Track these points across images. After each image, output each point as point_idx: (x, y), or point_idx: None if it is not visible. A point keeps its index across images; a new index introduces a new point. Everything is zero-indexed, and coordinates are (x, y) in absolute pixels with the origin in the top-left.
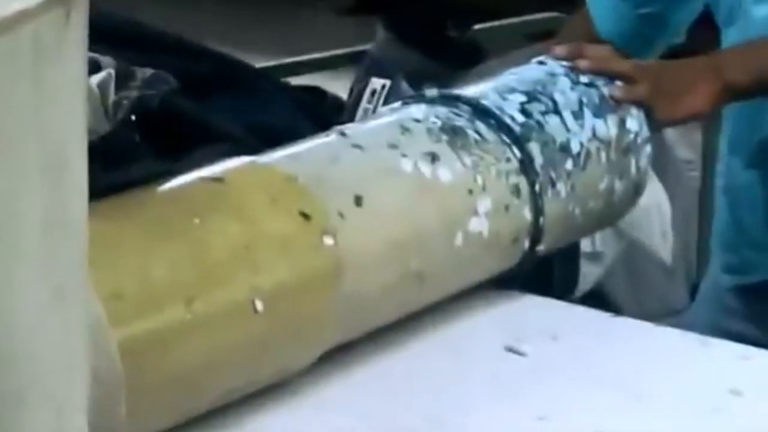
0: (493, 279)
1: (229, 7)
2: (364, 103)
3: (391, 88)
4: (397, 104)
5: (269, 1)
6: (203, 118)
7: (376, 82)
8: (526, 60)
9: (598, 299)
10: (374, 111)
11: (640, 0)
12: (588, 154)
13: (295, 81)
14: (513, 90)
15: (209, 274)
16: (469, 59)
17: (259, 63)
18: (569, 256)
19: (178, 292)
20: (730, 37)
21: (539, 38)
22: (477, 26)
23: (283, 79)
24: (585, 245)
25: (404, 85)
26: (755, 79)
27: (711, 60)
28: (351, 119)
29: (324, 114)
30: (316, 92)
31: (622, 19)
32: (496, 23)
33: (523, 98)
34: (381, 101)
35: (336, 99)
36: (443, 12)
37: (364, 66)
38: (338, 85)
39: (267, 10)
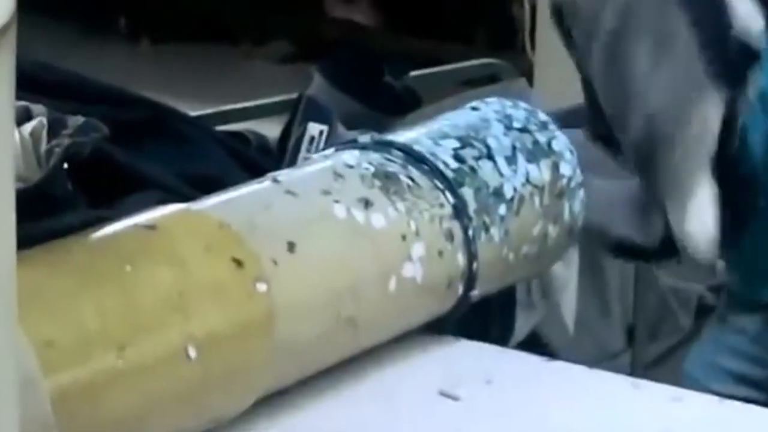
0: (428, 324)
1: (167, 55)
2: (303, 151)
3: (329, 134)
4: (330, 150)
5: (209, 49)
6: (135, 165)
7: (314, 128)
8: (461, 106)
9: (533, 344)
10: None
11: None
12: (521, 199)
13: (234, 128)
14: (446, 136)
15: (141, 322)
16: (406, 105)
17: (198, 111)
18: (505, 303)
19: (110, 339)
20: None
21: (476, 84)
22: (413, 73)
23: (219, 127)
24: (521, 292)
25: (342, 131)
26: None
27: None
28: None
29: (255, 160)
30: (241, 138)
31: None
32: (433, 70)
33: (456, 144)
34: (320, 147)
35: (262, 143)
36: (380, 59)
37: (300, 110)
38: (277, 132)
39: (206, 58)
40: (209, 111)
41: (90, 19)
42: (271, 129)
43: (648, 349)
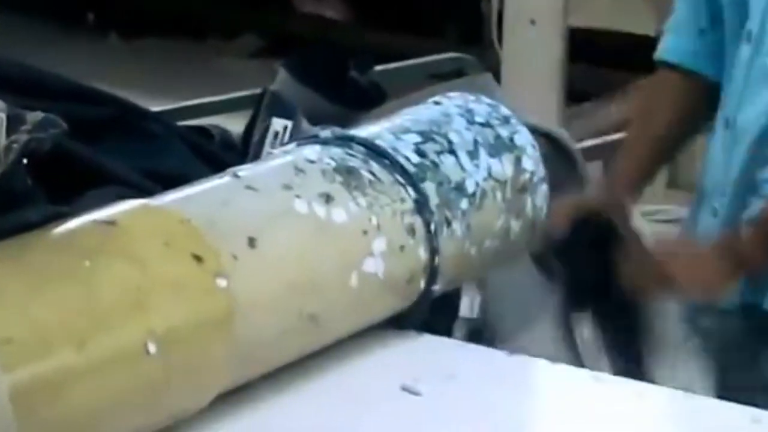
0: (390, 319)
1: (136, 50)
2: (267, 147)
3: (293, 129)
4: (291, 145)
5: (178, 45)
6: (95, 161)
7: (278, 123)
8: (425, 100)
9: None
10: None
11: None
12: (484, 193)
13: (200, 123)
14: (408, 130)
15: (101, 317)
16: (371, 100)
17: (165, 105)
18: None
19: (69, 335)
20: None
21: (442, 79)
22: (379, 67)
23: (184, 122)
24: None
25: (306, 126)
26: None
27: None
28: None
29: (217, 155)
30: (204, 132)
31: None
32: (399, 64)
33: (418, 138)
34: (284, 142)
35: (225, 138)
36: (346, 53)
37: (264, 105)
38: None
39: (175, 53)
40: (175, 106)
41: (58, 14)
42: (238, 124)
43: None
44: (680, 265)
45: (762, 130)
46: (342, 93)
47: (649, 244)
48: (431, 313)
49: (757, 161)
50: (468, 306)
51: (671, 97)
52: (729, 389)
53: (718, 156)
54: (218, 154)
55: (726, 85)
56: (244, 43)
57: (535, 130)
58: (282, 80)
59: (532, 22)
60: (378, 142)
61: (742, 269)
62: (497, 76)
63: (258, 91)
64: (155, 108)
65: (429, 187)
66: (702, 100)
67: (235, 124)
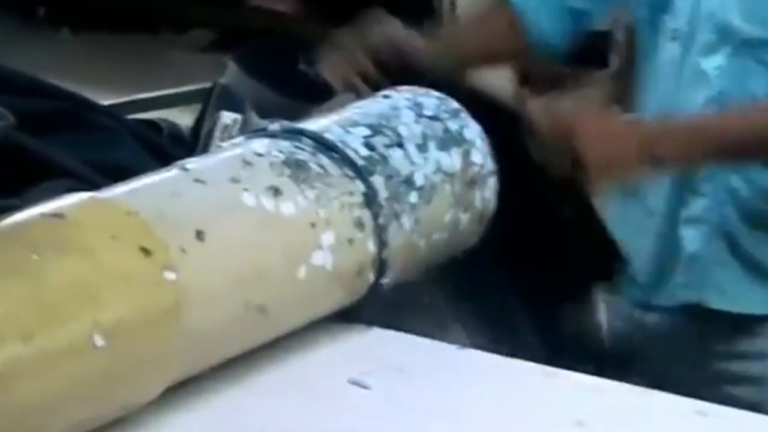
0: (339, 312)
1: (88, 43)
2: (216, 140)
3: (242, 123)
4: (239, 138)
5: (129, 38)
6: (44, 154)
7: (227, 117)
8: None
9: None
10: None
11: None
12: (433, 186)
13: (150, 116)
14: (356, 123)
15: (48, 310)
16: (320, 93)
17: (114, 99)
18: None
19: (16, 328)
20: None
21: None
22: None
23: (134, 115)
24: None
25: (255, 119)
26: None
27: (647, 137)
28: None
29: (166, 148)
30: (152, 126)
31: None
32: None
33: (367, 131)
34: (233, 136)
35: (174, 131)
36: (294, 46)
37: (213, 98)
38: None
39: (127, 47)
40: (125, 99)
41: (9, 8)
42: (187, 118)
43: None
44: (591, 140)
45: None
46: (291, 86)
47: (560, 118)
48: None
49: None
50: None
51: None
52: (673, 384)
53: None
54: (167, 148)
55: (646, 79)
56: (195, 36)
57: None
58: (231, 73)
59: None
60: (327, 135)
61: (654, 159)
62: None
63: (207, 84)
64: (106, 102)
65: (378, 180)
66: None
67: (184, 118)
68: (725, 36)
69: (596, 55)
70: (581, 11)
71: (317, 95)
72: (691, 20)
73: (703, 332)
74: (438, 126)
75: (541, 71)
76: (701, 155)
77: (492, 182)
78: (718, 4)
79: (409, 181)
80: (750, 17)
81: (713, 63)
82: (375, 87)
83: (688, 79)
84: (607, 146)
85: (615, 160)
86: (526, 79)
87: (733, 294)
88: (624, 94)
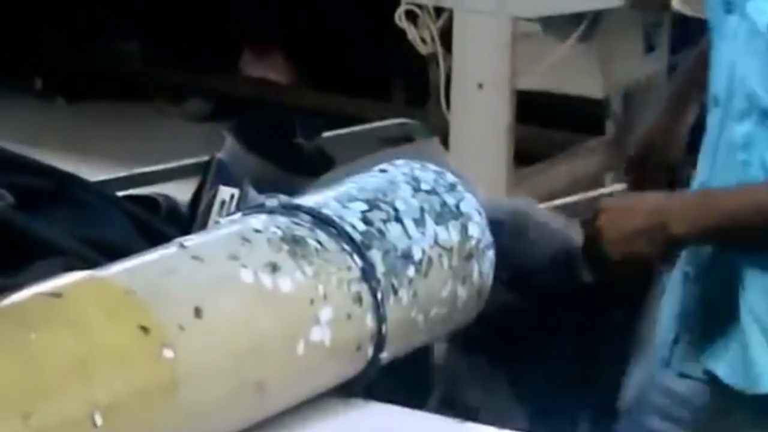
0: (337, 387)
1: (82, 112)
2: (214, 215)
3: (240, 198)
4: (237, 215)
5: (124, 107)
6: (40, 232)
7: (225, 192)
8: (372, 167)
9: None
10: None
11: None
12: (430, 261)
13: (148, 191)
14: (354, 198)
15: (45, 389)
16: (318, 167)
17: (113, 170)
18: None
19: (15, 408)
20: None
21: (390, 143)
22: (326, 134)
23: (132, 190)
24: None
25: (253, 194)
26: (701, 234)
27: (659, 207)
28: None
29: (155, 225)
30: (149, 201)
31: None
32: (345, 130)
33: (365, 206)
34: (231, 211)
35: (172, 207)
36: (293, 118)
37: (211, 173)
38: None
39: (122, 115)
40: (122, 174)
41: (4, 78)
42: (186, 191)
43: None
44: (609, 220)
45: None
46: (288, 160)
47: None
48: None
49: None
50: None
51: None
52: None
53: None
54: (157, 226)
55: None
56: (190, 106)
57: None
58: (229, 147)
59: (480, 86)
60: (324, 210)
61: (664, 228)
62: (445, 140)
63: (205, 158)
64: (103, 175)
65: (375, 255)
66: None
67: (182, 192)
68: (752, 104)
69: (591, 122)
70: None
71: (314, 168)
72: (728, 86)
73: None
74: (435, 200)
75: None
76: (712, 226)
77: (489, 256)
78: (747, 71)
79: (406, 256)
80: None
81: (743, 129)
82: None
83: (725, 145)
84: (621, 221)
85: (627, 231)
86: None
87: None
88: (619, 161)
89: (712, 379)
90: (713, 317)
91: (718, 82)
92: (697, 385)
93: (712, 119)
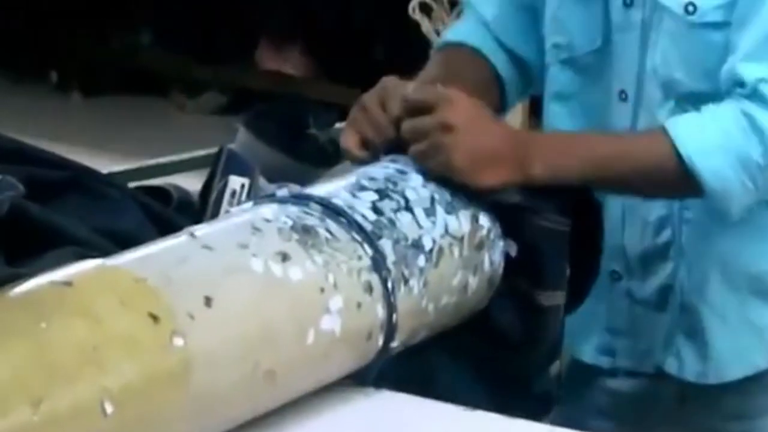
0: (348, 376)
1: (98, 107)
2: (225, 205)
3: (250, 187)
4: (248, 204)
5: (140, 101)
6: (52, 222)
7: (236, 182)
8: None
9: None
10: None
11: None
12: (440, 250)
13: (161, 182)
14: (364, 188)
15: (56, 376)
16: (331, 158)
17: (128, 163)
18: None
19: (25, 394)
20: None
21: None
22: (338, 125)
23: (146, 181)
24: None
25: (264, 184)
26: (561, 179)
27: (521, 138)
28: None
29: (167, 215)
30: (162, 192)
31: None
32: None
33: (375, 196)
34: (242, 201)
35: (184, 198)
36: (306, 110)
37: (221, 163)
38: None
39: (138, 110)
40: (136, 166)
41: (20, 72)
42: (199, 182)
43: None
44: (463, 125)
45: None
46: (301, 150)
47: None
48: None
49: None
50: None
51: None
52: None
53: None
54: (170, 217)
55: None
56: (207, 99)
57: None
58: (241, 137)
59: None
60: (334, 200)
61: (526, 162)
62: None
63: (216, 149)
64: (117, 167)
65: (386, 244)
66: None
67: (195, 183)
68: (669, 91)
69: None
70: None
71: (327, 159)
72: (639, 83)
73: (679, 403)
74: (446, 189)
75: None
76: (575, 174)
77: (500, 245)
78: (661, 61)
79: (417, 245)
80: (691, 72)
81: (663, 117)
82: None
83: None
84: (480, 137)
85: (487, 152)
86: None
87: None
88: None
89: (661, 376)
90: (653, 314)
91: (623, 76)
92: (644, 383)
93: (619, 114)
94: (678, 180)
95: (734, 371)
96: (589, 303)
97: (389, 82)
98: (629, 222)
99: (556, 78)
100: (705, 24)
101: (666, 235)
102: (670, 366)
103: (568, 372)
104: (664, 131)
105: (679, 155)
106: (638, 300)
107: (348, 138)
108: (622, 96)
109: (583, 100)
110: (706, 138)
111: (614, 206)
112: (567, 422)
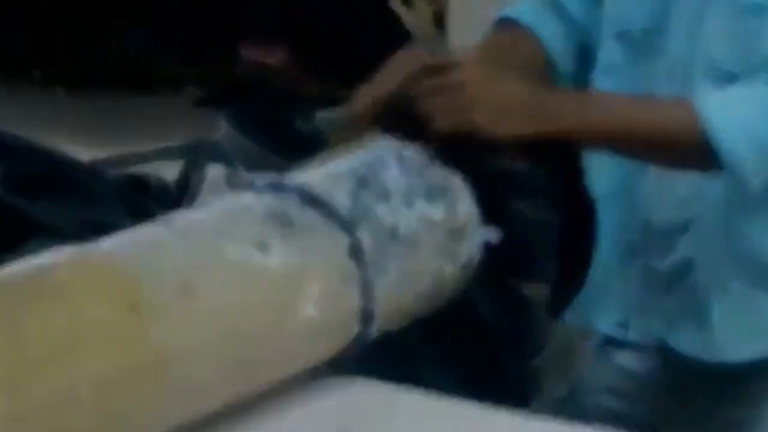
0: (325, 363)
1: (82, 101)
2: (203, 194)
3: (229, 176)
4: (226, 193)
5: (124, 95)
6: (33, 213)
7: (215, 171)
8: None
9: None
10: None
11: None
12: (417, 238)
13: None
14: (342, 176)
15: (32, 365)
16: (314, 151)
17: (107, 152)
18: None
19: (1, 383)
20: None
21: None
22: (320, 113)
23: (126, 169)
24: None
25: (242, 173)
26: (590, 135)
27: (542, 95)
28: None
29: (145, 204)
30: (140, 181)
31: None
32: None
33: (353, 184)
34: (220, 190)
35: (162, 186)
36: (287, 102)
37: (201, 153)
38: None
39: (122, 104)
40: (113, 154)
41: (4, 69)
42: (176, 172)
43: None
44: (479, 89)
45: None
46: (282, 141)
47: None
48: None
49: None
50: None
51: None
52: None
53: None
54: (150, 206)
55: None
56: (190, 93)
57: None
58: (224, 130)
59: None
60: (312, 188)
61: (543, 125)
62: None
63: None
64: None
65: (363, 232)
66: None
67: (175, 172)
68: (716, 72)
69: None
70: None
71: (309, 151)
72: (688, 59)
73: (686, 382)
74: (423, 178)
75: None
76: (606, 130)
77: (478, 233)
78: (712, 42)
79: (394, 233)
80: (739, 55)
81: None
82: None
83: None
84: (497, 91)
85: (506, 104)
86: None
87: None
88: None
89: (667, 352)
90: (665, 289)
91: (674, 55)
92: (651, 359)
93: (666, 93)
94: (698, 152)
95: (738, 353)
96: (606, 275)
97: (404, 52)
98: (659, 197)
99: (609, 52)
100: (756, 6)
101: (691, 212)
102: (675, 341)
103: (581, 347)
104: (692, 103)
105: (703, 129)
106: (653, 274)
107: (359, 100)
108: (671, 75)
109: (632, 75)
110: (732, 116)
111: (646, 181)
112: (574, 401)
